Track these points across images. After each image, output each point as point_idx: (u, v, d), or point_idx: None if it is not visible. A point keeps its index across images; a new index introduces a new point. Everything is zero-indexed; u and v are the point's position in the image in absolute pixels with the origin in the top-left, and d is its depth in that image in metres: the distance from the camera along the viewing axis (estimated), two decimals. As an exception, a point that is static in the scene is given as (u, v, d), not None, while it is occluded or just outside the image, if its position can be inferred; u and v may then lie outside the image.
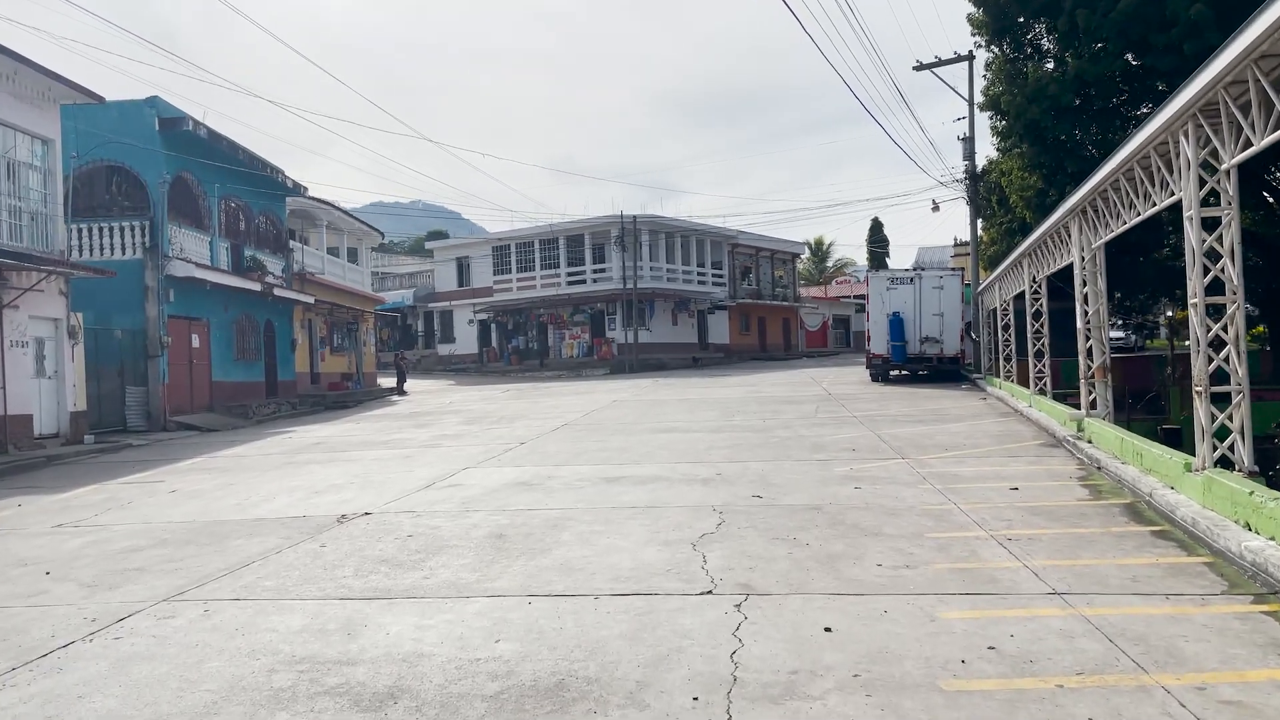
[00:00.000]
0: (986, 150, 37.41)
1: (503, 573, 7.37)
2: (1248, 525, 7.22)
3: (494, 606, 6.43)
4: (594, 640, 5.62)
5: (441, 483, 12.41)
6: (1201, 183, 8.83)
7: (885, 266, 64.82)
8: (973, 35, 28.79)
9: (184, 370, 25.67)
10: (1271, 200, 26.23)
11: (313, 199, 35.78)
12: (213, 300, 26.98)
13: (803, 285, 74.73)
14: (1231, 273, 8.57)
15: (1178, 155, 9.29)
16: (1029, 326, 19.87)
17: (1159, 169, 10.02)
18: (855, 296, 68.46)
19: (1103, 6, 22.95)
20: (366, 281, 43.88)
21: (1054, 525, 8.41)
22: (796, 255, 69.72)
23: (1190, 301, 8.92)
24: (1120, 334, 42.80)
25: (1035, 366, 19.62)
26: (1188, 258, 8.97)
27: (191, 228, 26.55)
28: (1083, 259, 13.95)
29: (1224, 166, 8.41)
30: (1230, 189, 8.52)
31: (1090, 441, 12.97)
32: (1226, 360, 8.73)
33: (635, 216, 48.45)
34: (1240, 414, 8.58)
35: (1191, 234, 8.82)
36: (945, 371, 30.39)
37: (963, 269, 35.26)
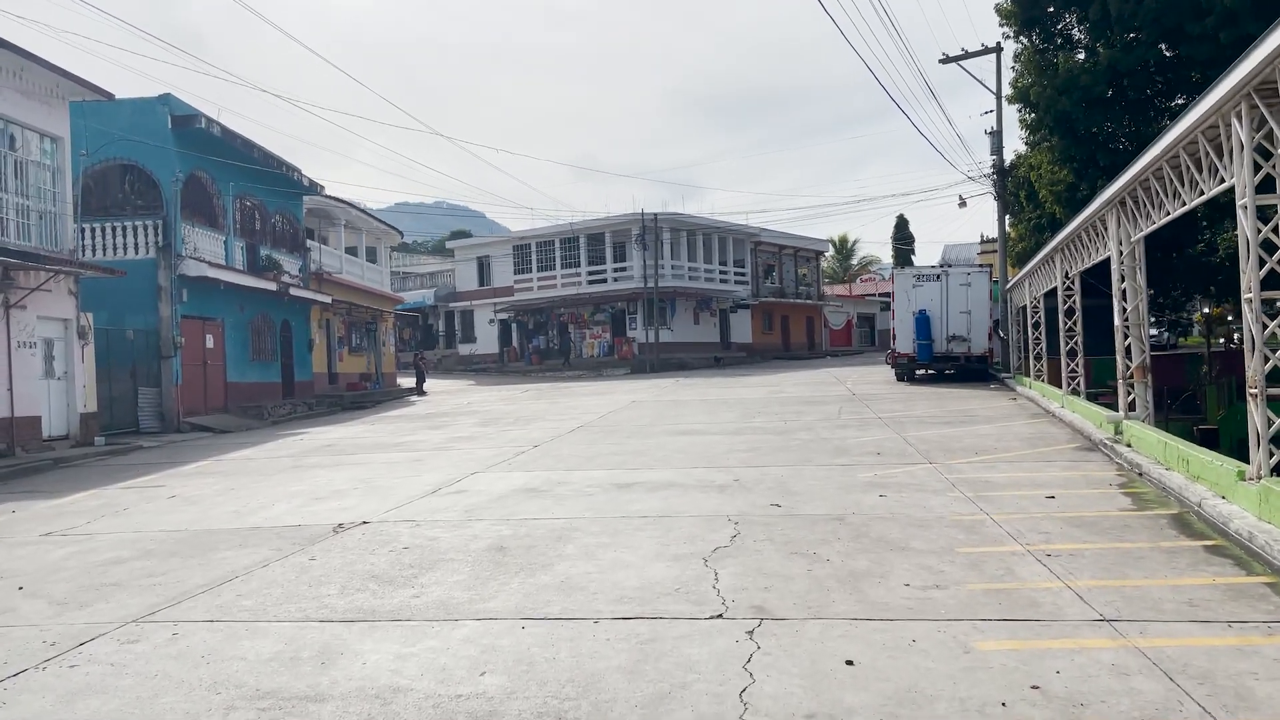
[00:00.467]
0: (1014, 145, 36.79)
1: (498, 591, 6.83)
2: (1313, 542, 6.58)
3: (484, 631, 5.89)
4: (589, 674, 5.06)
5: (448, 488, 11.90)
6: (1256, 168, 8.17)
7: (910, 264, 63.89)
8: (1000, 26, 28.05)
9: (198, 371, 25.34)
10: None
11: (330, 198, 35.44)
12: (227, 300, 26.65)
13: (827, 283, 73.94)
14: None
15: (1229, 139, 8.63)
16: (1061, 324, 19.14)
17: (1207, 154, 9.35)
18: (880, 294, 67.54)
19: (1136, -6, 22.22)
20: (386, 281, 43.54)
21: (1097, 539, 7.77)
22: (820, 253, 68.94)
23: (1244, 297, 8.26)
24: (1154, 331, 41.79)
25: (1068, 366, 18.89)
26: (1241, 249, 8.31)
27: (206, 227, 26.23)
28: (1120, 253, 13.26)
29: (1282, 150, 7.75)
30: (1289, 174, 7.87)
31: (1129, 445, 12.28)
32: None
33: (656, 214, 47.87)
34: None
35: (1245, 223, 8.15)
36: (973, 371, 29.64)
37: (990, 265, 34.41)
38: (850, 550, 7.62)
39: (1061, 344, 19.23)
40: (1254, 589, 6.26)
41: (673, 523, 9.00)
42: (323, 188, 33.35)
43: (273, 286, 28.34)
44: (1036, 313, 24.22)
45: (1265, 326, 8.21)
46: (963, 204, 39.04)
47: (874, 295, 72.47)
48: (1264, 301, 8.17)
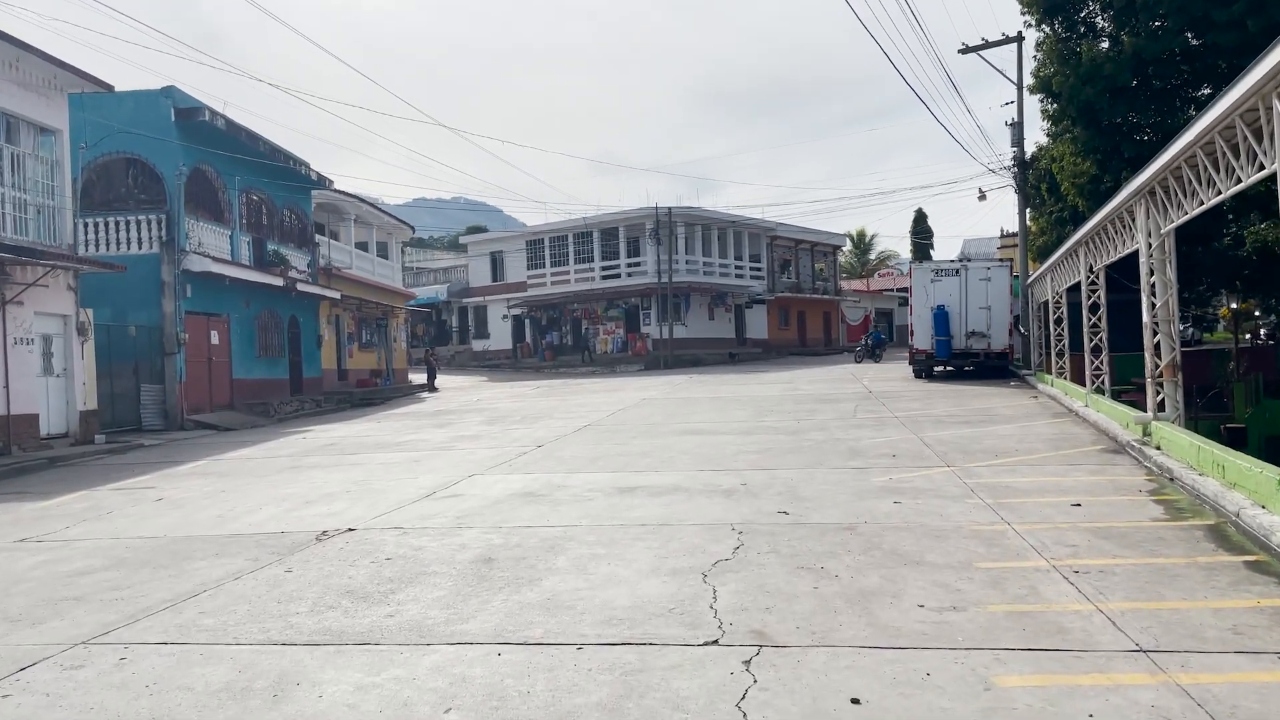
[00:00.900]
0: (1035, 136, 35.86)
1: (479, 610, 6.32)
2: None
3: (456, 658, 5.38)
4: (563, 713, 4.54)
5: (442, 492, 11.41)
6: (1301, 153, 7.57)
7: (929, 258, 63.06)
8: (1022, 14, 27.33)
9: (202, 367, 24.97)
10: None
11: (340, 192, 35.03)
12: (233, 295, 26.27)
13: (844, 278, 73.13)
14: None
15: (1269, 122, 8.03)
16: (1085, 320, 18.49)
17: (1245, 139, 8.74)
18: (898, 289, 66.66)
19: (1162, -20, 21.55)
20: (397, 277, 43.13)
21: (1128, 553, 7.20)
22: (838, 247, 68.18)
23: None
24: (1179, 326, 40.94)
25: (1092, 363, 18.24)
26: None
27: (211, 221, 25.85)
28: (1150, 245, 12.63)
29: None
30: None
31: (1159, 448, 11.67)
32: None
33: (670, 209, 47.26)
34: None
35: (1289, 213, 7.55)
36: (992, 367, 28.94)
37: (1011, 260, 33.69)
38: (861, 564, 7.08)
39: (1085, 340, 18.59)
40: (1304, 613, 5.69)
41: (673, 532, 8.48)
42: (331, 182, 32.90)
43: (279, 282, 27.93)
44: (1059, 308, 23.54)
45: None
46: (982, 197, 38.13)
47: (891, 290, 71.59)
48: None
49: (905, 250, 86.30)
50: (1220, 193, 9.75)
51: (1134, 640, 5.25)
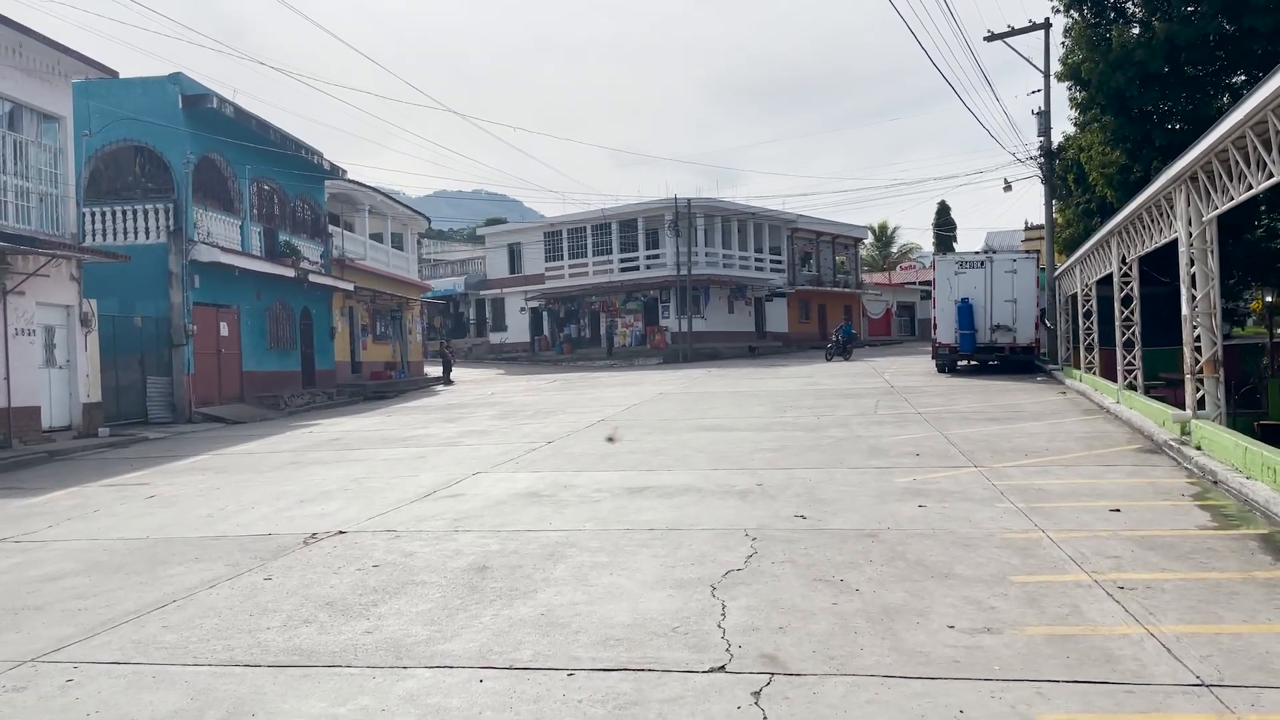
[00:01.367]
0: (1062, 126, 35.15)
1: (465, 626, 5.79)
2: None
3: (433, 685, 4.84)
4: (545, 755, 4.01)
5: (443, 491, 10.90)
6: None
7: (952, 251, 62.13)
8: (1050, 0, 26.57)
9: (211, 359, 24.58)
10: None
11: (354, 183, 34.59)
12: (243, 286, 25.87)
13: (866, 271, 72.20)
14: None
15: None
16: (1117, 313, 17.80)
17: (1303, 117, 8.09)
18: (921, 283, 65.73)
19: (1196, -38, 20.78)
20: (412, 268, 42.71)
21: (1177, 566, 6.59)
22: (859, 240, 67.34)
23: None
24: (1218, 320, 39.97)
25: (1124, 358, 17.55)
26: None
27: (220, 211, 25.44)
28: (1190, 234, 11.95)
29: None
30: None
31: (1199, 448, 11.01)
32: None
33: (689, 200, 46.63)
34: None
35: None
36: (1018, 362, 28.22)
37: (1037, 252, 32.88)
38: (884, 577, 6.50)
39: (1117, 334, 17.90)
40: (1383, 640, 5.07)
41: (682, 537, 7.92)
42: (345, 172, 32.47)
43: (290, 272, 27.51)
44: (1088, 301, 22.81)
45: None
46: (1008, 187, 37.35)
47: (914, 283, 70.64)
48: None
49: (927, 243, 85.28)
50: (1272, 176, 9.09)
51: (1194, 672, 4.65)
